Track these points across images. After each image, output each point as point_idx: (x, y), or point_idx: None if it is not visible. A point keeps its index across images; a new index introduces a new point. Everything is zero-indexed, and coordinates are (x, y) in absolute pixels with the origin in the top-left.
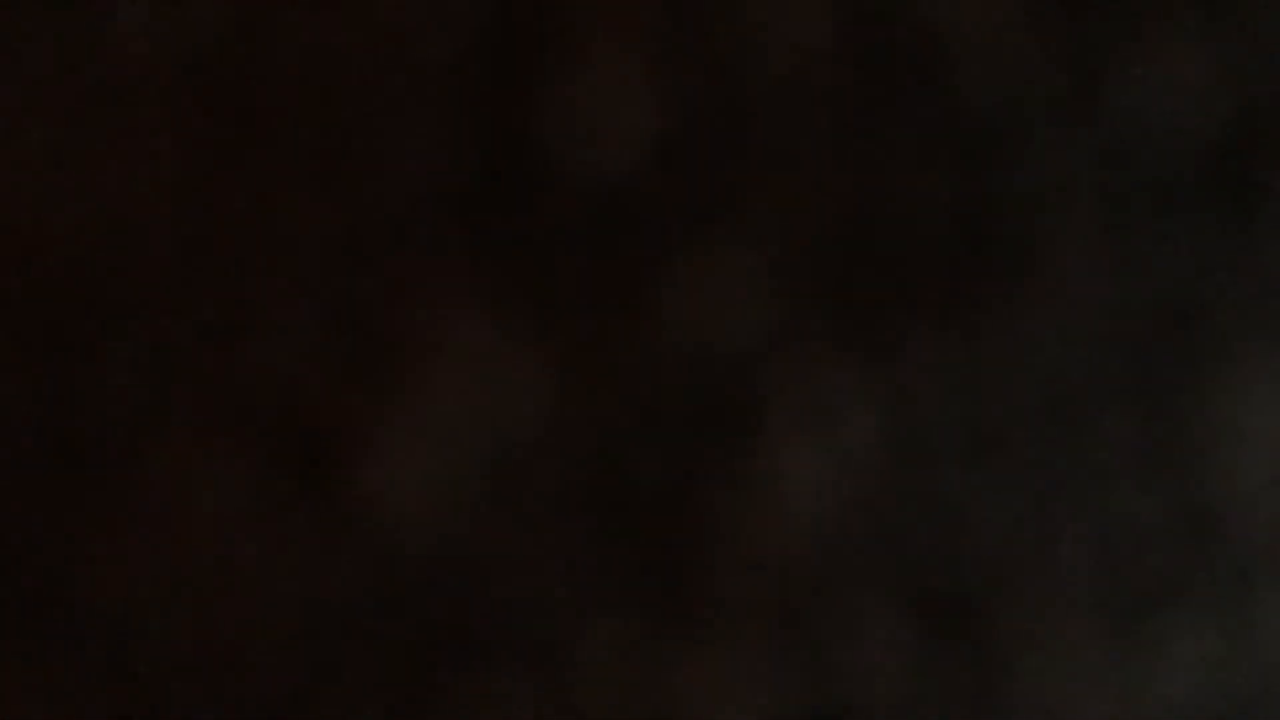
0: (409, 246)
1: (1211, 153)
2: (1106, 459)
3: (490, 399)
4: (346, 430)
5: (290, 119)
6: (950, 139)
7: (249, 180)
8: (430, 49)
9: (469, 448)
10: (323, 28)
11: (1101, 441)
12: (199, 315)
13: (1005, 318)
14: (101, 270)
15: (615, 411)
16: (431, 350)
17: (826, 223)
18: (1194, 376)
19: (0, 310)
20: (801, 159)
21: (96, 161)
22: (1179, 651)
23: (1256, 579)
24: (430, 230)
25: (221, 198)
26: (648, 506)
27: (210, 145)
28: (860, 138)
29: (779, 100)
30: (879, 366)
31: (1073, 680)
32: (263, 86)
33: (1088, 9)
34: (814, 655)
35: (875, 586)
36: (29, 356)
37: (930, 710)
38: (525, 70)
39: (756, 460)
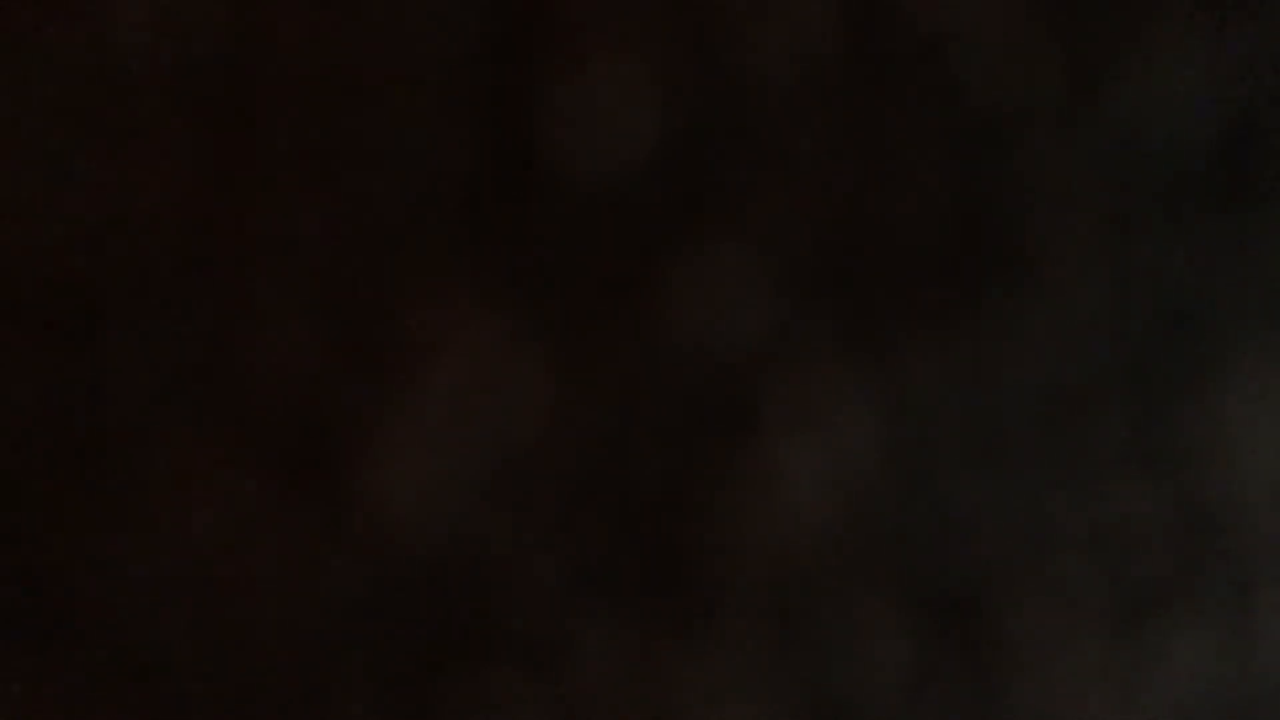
0: (410, 247)
1: (1211, 153)
2: (1106, 458)
3: (490, 399)
4: (347, 430)
5: (290, 120)
6: (951, 140)
7: (249, 181)
8: (431, 50)
9: (469, 447)
10: (323, 29)
11: (1101, 441)
12: (199, 315)
13: (1005, 318)
14: (101, 270)
15: (615, 411)
16: (432, 350)
17: (826, 223)
18: (1194, 376)
19: (1, 309)
20: (802, 159)
21: (97, 161)
22: (1179, 652)
23: (1256, 579)
24: (431, 230)
25: (222, 198)
26: (647, 506)
27: (211, 146)
28: (861, 138)
29: (779, 100)
30: (879, 366)
31: (1073, 680)
32: (263, 88)
33: (1088, 9)
34: (814, 655)
35: (875, 586)
36: (29, 356)
37: (930, 710)
38: (526, 71)
39: (756, 460)
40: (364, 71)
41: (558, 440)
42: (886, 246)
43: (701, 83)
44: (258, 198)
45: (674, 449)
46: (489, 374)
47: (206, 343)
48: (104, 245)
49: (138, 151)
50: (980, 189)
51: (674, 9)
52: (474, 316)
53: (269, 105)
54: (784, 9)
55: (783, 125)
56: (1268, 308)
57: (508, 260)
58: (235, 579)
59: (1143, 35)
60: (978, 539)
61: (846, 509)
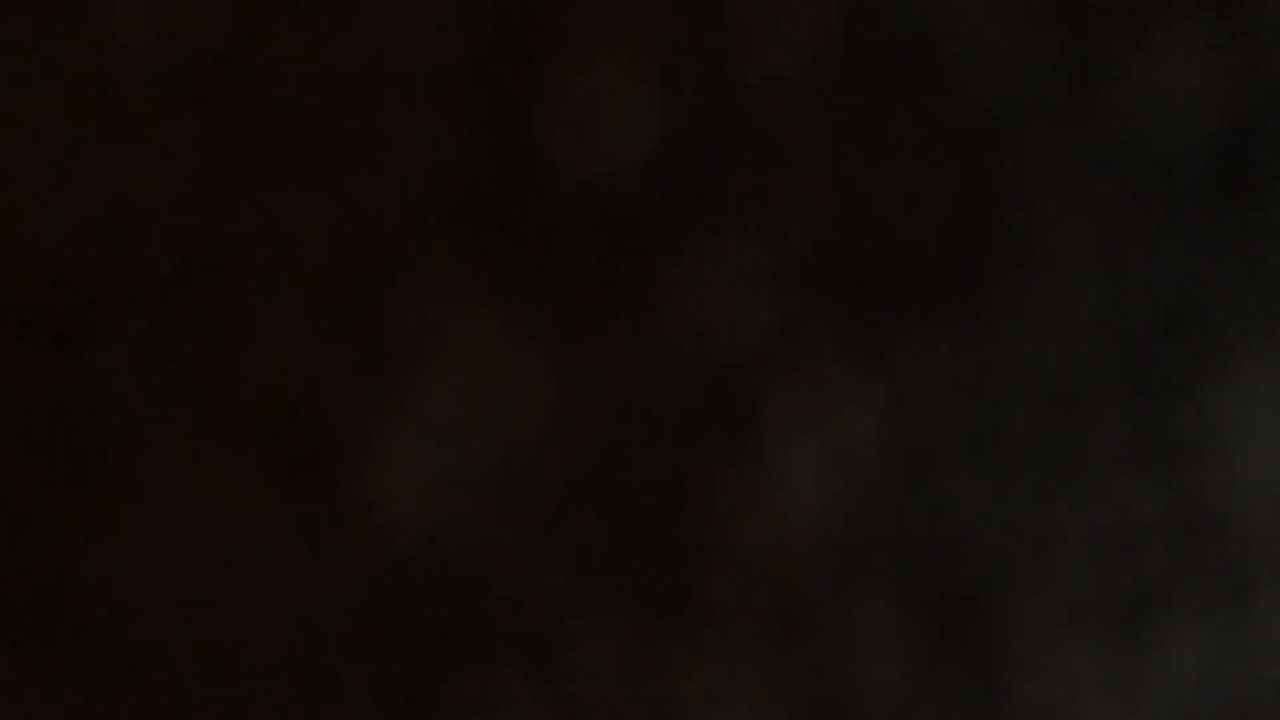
0: (409, 247)
1: (1211, 153)
2: (1106, 458)
3: (491, 399)
4: (347, 430)
5: (290, 120)
6: (950, 139)
7: (249, 181)
8: (431, 50)
9: (469, 448)
10: (323, 29)
11: (1101, 441)
12: (199, 315)
13: (1005, 318)
14: (101, 270)
15: (615, 412)
16: (432, 350)
17: (826, 223)
18: (1193, 376)
19: (0, 310)
20: (802, 159)
21: (96, 162)
22: (1178, 652)
23: (1256, 579)
24: (431, 231)
25: (221, 198)
26: (647, 506)
27: (211, 146)
28: (860, 138)
29: (780, 100)
30: (879, 366)
31: (1073, 680)
32: (263, 89)
33: (1088, 9)
34: (814, 655)
35: (875, 586)
36: (28, 357)
37: (930, 710)
38: (526, 71)
39: (756, 460)
40: (364, 71)
41: (558, 440)
42: (886, 246)
43: (701, 83)
44: (257, 197)
45: (674, 449)
46: (489, 374)
47: (205, 342)
48: (102, 245)
49: (136, 151)
50: (980, 189)
51: (674, 9)
52: (474, 316)
53: (268, 105)
54: (784, 9)
55: (783, 125)
56: (1267, 308)
57: (507, 260)
58: (234, 579)
59: (1143, 35)
60: (978, 539)
61: (846, 509)
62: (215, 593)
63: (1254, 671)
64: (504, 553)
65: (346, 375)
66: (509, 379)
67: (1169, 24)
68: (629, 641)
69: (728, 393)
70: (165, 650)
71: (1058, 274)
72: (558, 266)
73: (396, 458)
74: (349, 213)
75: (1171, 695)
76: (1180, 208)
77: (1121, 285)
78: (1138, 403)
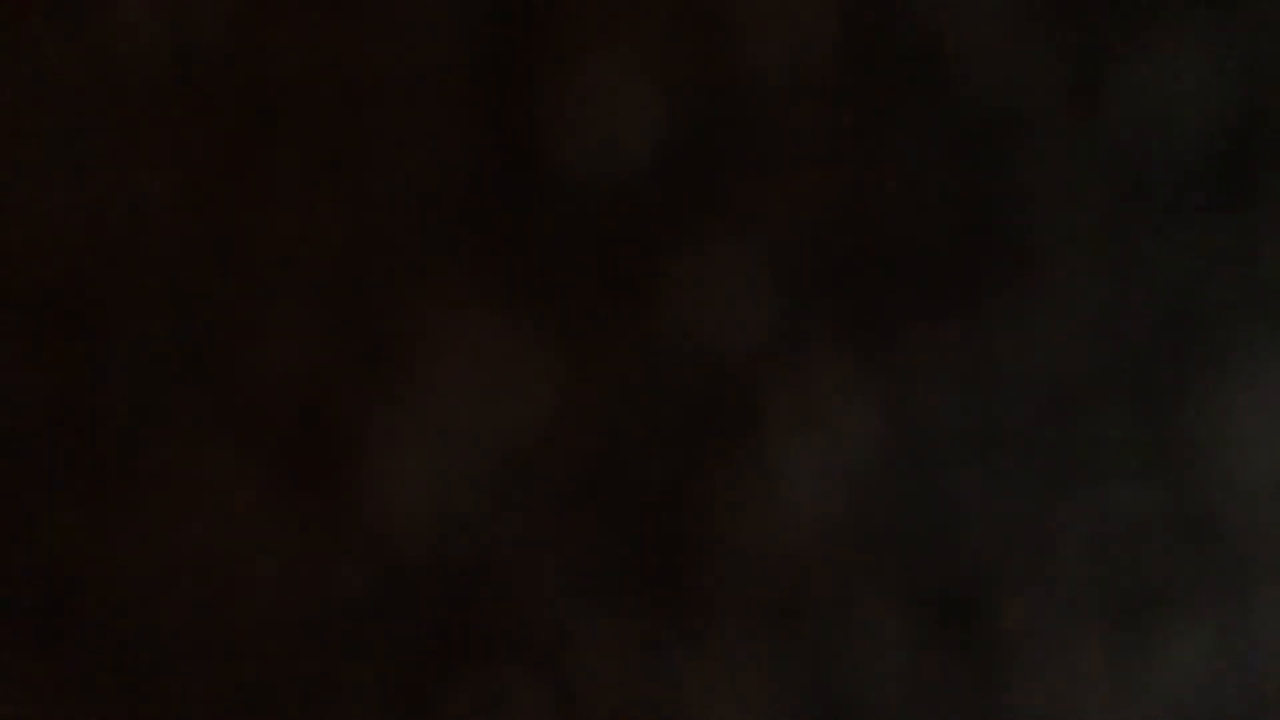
0: (412, 247)
1: (1211, 153)
2: (1106, 458)
3: (491, 399)
4: (348, 430)
5: (293, 121)
6: (950, 139)
7: (251, 181)
8: (433, 52)
9: (471, 447)
10: (325, 31)
11: (1101, 441)
12: (201, 315)
13: (1005, 317)
14: (103, 270)
15: (616, 411)
16: (434, 350)
17: (826, 222)
18: (1194, 376)
19: (2, 310)
20: (801, 159)
21: (98, 162)
22: (1178, 651)
23: (1256, 579)
24: (434, 231)
25: (223, 198)
26: (648, 506)
27: (213, 147)
28: (860, 138)
29: (779, 100)
30: (879, 366)
31: (1073, 680)
32: (265, 90)
33: (1088, 9)
34: (814, 655)
35: (875, 585)
36: (30, 356)
37: (930, 710)
38: (527, 72)
39: (757, 459)
40: (366, 72)
41: (559, 440)
42: (886, 246)
43: (701, 83)
44: (259, 198)
45: (674, 449)
46: (490, 374)
47: (208, 342)
48: (104, 244)
49: (139, 151)
50: (980, 189)
51: (674, 9)
52: (475, 316)
53: (270, 106)
54: (784, 9)
55: (783, 125)
56: (1268, 308)
57: (509, 260)
58: (236, 579)
59: (1143, 36)
60: (978, 538)
61: (847, 508)
62: (217, 592)
63: (1254, 671)
64: (504, 553)
65: (348, 375)
66: (510, 379)
67: (1169, 24)
68: (629, 641)
69: (728, 393)
70: (167, 649)
71: (1058, 274)
72: (558, 267)
73: (398, 457)
74: (351, 213)
75: (1171, 695)
76: (1180, 208)
77: (1121, 285)
78: (1138, 402)
